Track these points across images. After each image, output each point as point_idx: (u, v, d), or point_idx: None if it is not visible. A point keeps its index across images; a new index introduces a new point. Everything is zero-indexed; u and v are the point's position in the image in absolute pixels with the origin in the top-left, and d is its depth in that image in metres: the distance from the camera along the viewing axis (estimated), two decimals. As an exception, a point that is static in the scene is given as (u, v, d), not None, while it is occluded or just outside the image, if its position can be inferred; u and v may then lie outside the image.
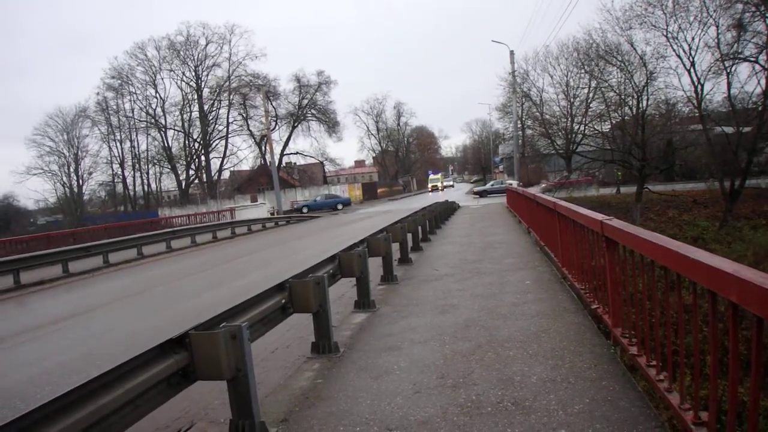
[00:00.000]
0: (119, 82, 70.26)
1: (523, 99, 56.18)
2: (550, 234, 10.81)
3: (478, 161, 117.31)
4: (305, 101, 73.27)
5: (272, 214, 47.27)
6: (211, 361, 4.25)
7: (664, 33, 33.48)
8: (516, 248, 13.99)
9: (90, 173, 74.31)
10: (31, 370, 7.73)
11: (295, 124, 73.35)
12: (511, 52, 48.42)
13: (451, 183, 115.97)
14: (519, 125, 55.74)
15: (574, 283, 7.96)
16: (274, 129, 68.44)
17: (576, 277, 7.91)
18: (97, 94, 71.10)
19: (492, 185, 58.46)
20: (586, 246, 6.92)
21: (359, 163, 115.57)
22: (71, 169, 73.09)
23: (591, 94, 46.77)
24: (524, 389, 4.89)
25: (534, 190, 15.80)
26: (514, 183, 37.46)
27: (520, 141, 55.58)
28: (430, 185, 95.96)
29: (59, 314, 12.20)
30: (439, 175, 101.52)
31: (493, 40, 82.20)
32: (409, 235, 14.25)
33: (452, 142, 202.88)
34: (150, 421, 4.58)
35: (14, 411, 3.03)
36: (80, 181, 73.90)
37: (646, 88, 35.28)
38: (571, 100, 50.35)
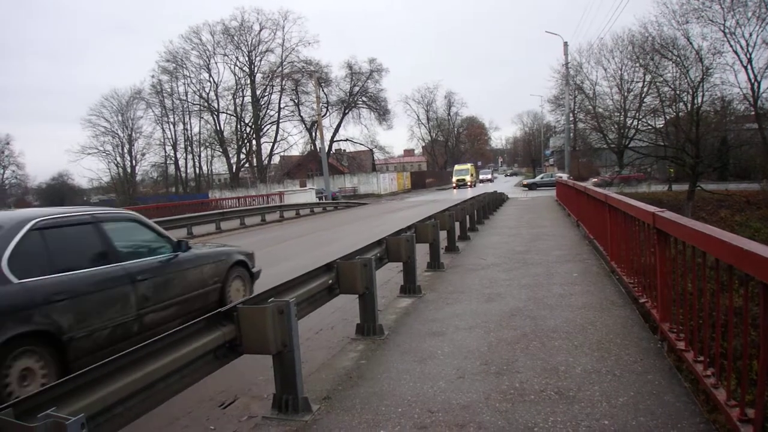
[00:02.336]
0: (174, 65, 71.20)
1: (576, 92, 55.26)
2: (599, 227, 10.69)
3: (528, 154, 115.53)
4: (356, 88, 73.42)
5: (320, 199, 47.49)
6: (258, 335, 4.33)
7: (722, 28, 32.79)
8: (564, 240, 13.85)
9: (143, 154, 75.61)
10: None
11: (346, 111, 73.58)
12: (565, 44, 47.94)
13: (489, 176, 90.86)
14: (571, 118, 54.88)
15: (623, 277, 7.87)
16: (324, 115, 68.75)
17: (624, 271, 7.81)
18: (152, 76, 72.24)
19: (542, 178, 57.77)
20: (636, 239, 6.83)
21: (408, 152, 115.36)
22: (125, 150, 74.47)
23: (645, 89, 45.70)
24: (568, 379, 4.87)
25: (584, 185, 15.63)
26: (565, 176, 36.95)
27: (571, 134, 54.72)
28: (455, 179, 73.90)
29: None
30: (467, 166, 77.43)
31: (547, 31, 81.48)
32: (457, 224, 14.20)
33: (502, 133, 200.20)
34: (194, 392, 4.71)
35: None
36: (133, 162, 75.27)
37: (701, 84, 34.54)
38: (625, 94, 49.32)
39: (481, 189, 41.63)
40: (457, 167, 77.96)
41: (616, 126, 48.52)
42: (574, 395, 4.53)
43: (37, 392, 2.86)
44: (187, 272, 7.20)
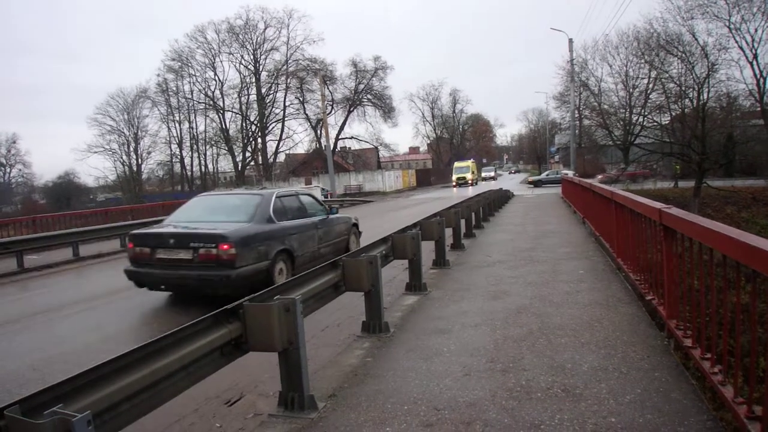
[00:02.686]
0: (179, 64, 71.37)
1: (581, 88, 55.12)
2: (605, 224, 10.67)
3: (533, 151, 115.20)
4: (361, 86, 73.53)
5: (326, 197, 47.51)
6: (264, 333, 4.33)
7: (727, 24, 32.74)
8: (570, 238, 13.85)
9: (149, 152, 75.79)
10: (89, 338, 8.00)
11: (351, 109, 73.66)
12: (570, 40, 47.37)
13: (492, 174, 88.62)
14: (576, 115, 54.73)
15: (629, 274, 7.85)
16: (329, 113, 68.91)
17: (631, 268, 7.79)
18: (158, 75, 72.58)
19: (547, 175, 57.81)
20: (642, 236, 6.80)
21: (413, 150, 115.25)
22: (131, 148, 74.60)
23: (651, 85, 45.67)
24: (575, 377, 4.86)
25: (590, 182, 15.65)
26: (570, 173, 36.85)
27: (577, 131, 54.56)
28: (454, 177, 70.21)
29: (117, 285, 12.51)
30: (468, 162, 73.43)
31: (552, 28, 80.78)
32: (462, 222, 14.19)
33: (507, 130, 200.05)
34: (200, 390, 4.70)
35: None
36: (139, 160, 75.39)
37: (707, 80, 34.48)
38: (630, 90, 49.25)
39: (483, 187, 41.48)
40: (456, 164, 74.11)
41: (621, 123, 48.47)
42: (580, 393, 4.52)
43: (43, 389, 2.85)
44: (335, 226, 12.29)
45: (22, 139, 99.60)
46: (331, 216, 12.03)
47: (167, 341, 3.72)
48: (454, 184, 68.58)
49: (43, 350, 7.51)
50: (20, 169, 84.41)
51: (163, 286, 9.60)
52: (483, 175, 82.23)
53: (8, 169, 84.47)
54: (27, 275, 15.65)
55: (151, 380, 3.49)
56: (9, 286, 14.17)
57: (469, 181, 68.14)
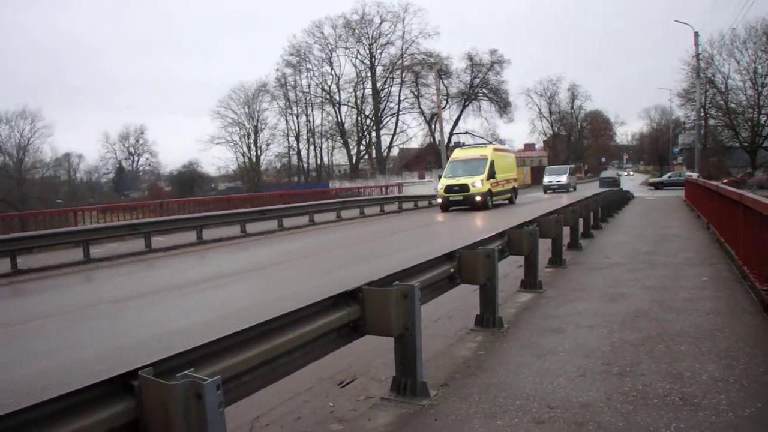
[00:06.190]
0: (297, 59, 72.85)
1: (707, 85, 52.51)
2: (731, 229, 10.20)
3: (655, 151, 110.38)
4: (477, 80, 72.66)
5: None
6: (382, 317, 4.39)
7: None
8: (692, 243, 13.30)
9: (267, 144, 77.96)
10: (209, 315, 8.33)
11: (466, 104, 73.03)
12: (696, 34, 45.10)
13: (615, 176, 57.87)
14: (701, 114, 52.19)
15: (755, 284, 7.46)
16: (444, 107, 68.37)
17: (757, 277, 7.40)
18: (277, 70, 74.12)
19: (669, 177, 55.16)
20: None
21: (528, 146, 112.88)
22: (251, 140, 76.95)
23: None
24: (693, 386, 4.70)
25: (716, 184, 14.94)
26: (694, 175, 35.15)
27: (701, 131, 52.02)
28: (546, 180, 48.58)
29: (235, 268, 13.02)
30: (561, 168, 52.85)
31: (676, 20, 76.98)
32: (580, 221, 13.86)
33: (628, 129, 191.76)
34: (314, 370, 4.79)
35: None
36: (258, 152, 77.66)
37: None
38: (759, 89, 46.59)
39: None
40: (548, 168, 55.00)
41: (749, 123, 45.87)
42: (698, 402, 4.37)
43: (175, 354, 3.00)
44: None
45: (149, 129, 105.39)
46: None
47: (288, 319, 3.83)
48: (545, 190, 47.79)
49: (167, 324, 7.92)
50: (147, 158, 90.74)
51: None
52: (549, 179, 49.00)
53: (136, 158, 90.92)
54: (153, 255, 16.52)
55: (272, 355, 3.60)
56: (137, 264, 15.04)
57: (553, 183, 47.14)
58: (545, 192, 46.02)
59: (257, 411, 4.67)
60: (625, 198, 28.32)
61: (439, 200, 28.56)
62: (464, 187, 27.28)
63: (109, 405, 2.69)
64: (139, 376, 2.73)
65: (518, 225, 9.10)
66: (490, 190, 27.93)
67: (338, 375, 5.58)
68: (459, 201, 27.56)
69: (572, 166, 54.29)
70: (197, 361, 3.08)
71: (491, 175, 28.22)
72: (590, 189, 32.78)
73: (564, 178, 46.91)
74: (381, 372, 5.51)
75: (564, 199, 25.94)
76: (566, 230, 12.06)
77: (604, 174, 64.50)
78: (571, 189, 46.05)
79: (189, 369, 2.78)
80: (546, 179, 48.45)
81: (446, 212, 27.27)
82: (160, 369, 2.84)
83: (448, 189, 27.79)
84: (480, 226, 19.51)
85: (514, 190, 32.26)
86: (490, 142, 37.95)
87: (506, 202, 30.64)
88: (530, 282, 8.71)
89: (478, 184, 27.24)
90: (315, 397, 5.10)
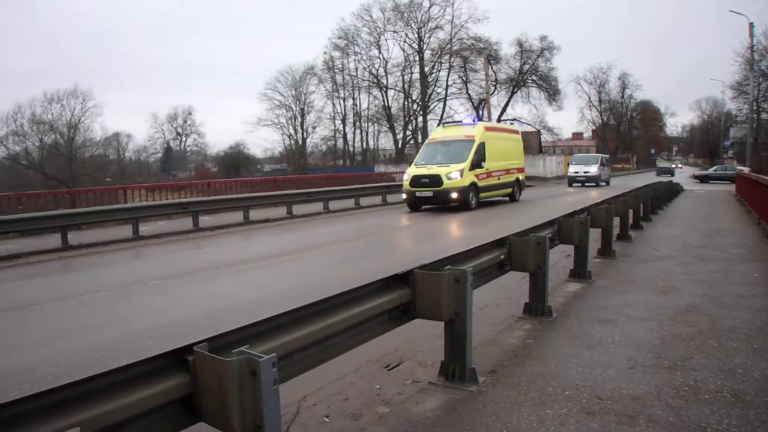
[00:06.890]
0: (345, 42, 72.52)
1: (761, 78, 51.00)
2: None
3: (705, 143, 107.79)
4: (526, 66, 71.46)
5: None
6: (432, 301, 4.36)
7: None
8: (744, 238, 13.03)
9: (314, 127, 78.05)
10: (255, 294, 8.39)
11: (514, 90, 72.06)
12: (750, 24, 43.63)
13: (671, 166, 64.19)
14: (754, 107, 50.74)
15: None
16: (493, 93, 67.75)
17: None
18: (324, 53, 73.90)
19: (715, 170, 53.68)
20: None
21: (577, 135, 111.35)
22: (297, 123, 77.22)
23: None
24: (746, 383, 4.62)
25: (768, 179, 14.56)
26: (746, 170, 34.13)
27: (754, 125, 50.55)
28: (571, 170, 40.23)
29: (282, 248, 13.11)
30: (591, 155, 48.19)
31: (731, 10, 74.92)
32: (630, 213, 13.63)
33: (678, 120, 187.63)
34: (361, 352, 4.78)
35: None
36: (304, 134, 77.91)
37: None
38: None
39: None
40: (575, 157, 47.39)
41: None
42: (750, 400, 4.29)
43: (229, 331, 3.01)
44: None
45: (197, 110, 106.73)
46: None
47: (341, 299, 3.82)
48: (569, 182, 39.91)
49: (215, 302, 8.01)
50: (195, 139, 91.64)
51: None
52: (576, 169, 40.15)
53: (184, 138, 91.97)
54: (200, 234, 16.78)
55: (324, 335, 3.61)
56: (185, 242, 15.26)
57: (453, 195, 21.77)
58: (570, 185, 38.80)
59: (305, 390, 4.68)
60: (675, 190, 27.78)
61: (404, 196, 22.34)
62: (436, 180, 20.80)
63: (164, 379, 2.70)
64: (194, 351, 2.74)
65: (569, 213, 8.98)
66: (474, 184, 21.50)
67: (385, 358, 5.59)
68: (428, 198, 21.13)
69: (605, 155, 45.51)
70: (251, 338, 3.09)
71: (477, 163, 21.74)
72: (639, 180, 29.75)
73: (593, 169, 38.85)
74: (428, 357, 5.50)
75: (593, 194, 24.02)
76: (616, 221, 11.90)
77: (660, 164, 72.91)
78: (603, 183, 38.76)
79: (244, 345, 2.78)
80: (571, 169, 40.21)
81: (416, 212, 21.52)
82: (215, 345, 2.86)
83: (415, 182, 21.36)
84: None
85: (518, 183, 25.74)
86: (539, 131, 34.09)
87: (505, 198, 24.90)
88: (580, 272, 8.60)
89: (455, 175, 20.75)
90: (362, 379, 5.12)
